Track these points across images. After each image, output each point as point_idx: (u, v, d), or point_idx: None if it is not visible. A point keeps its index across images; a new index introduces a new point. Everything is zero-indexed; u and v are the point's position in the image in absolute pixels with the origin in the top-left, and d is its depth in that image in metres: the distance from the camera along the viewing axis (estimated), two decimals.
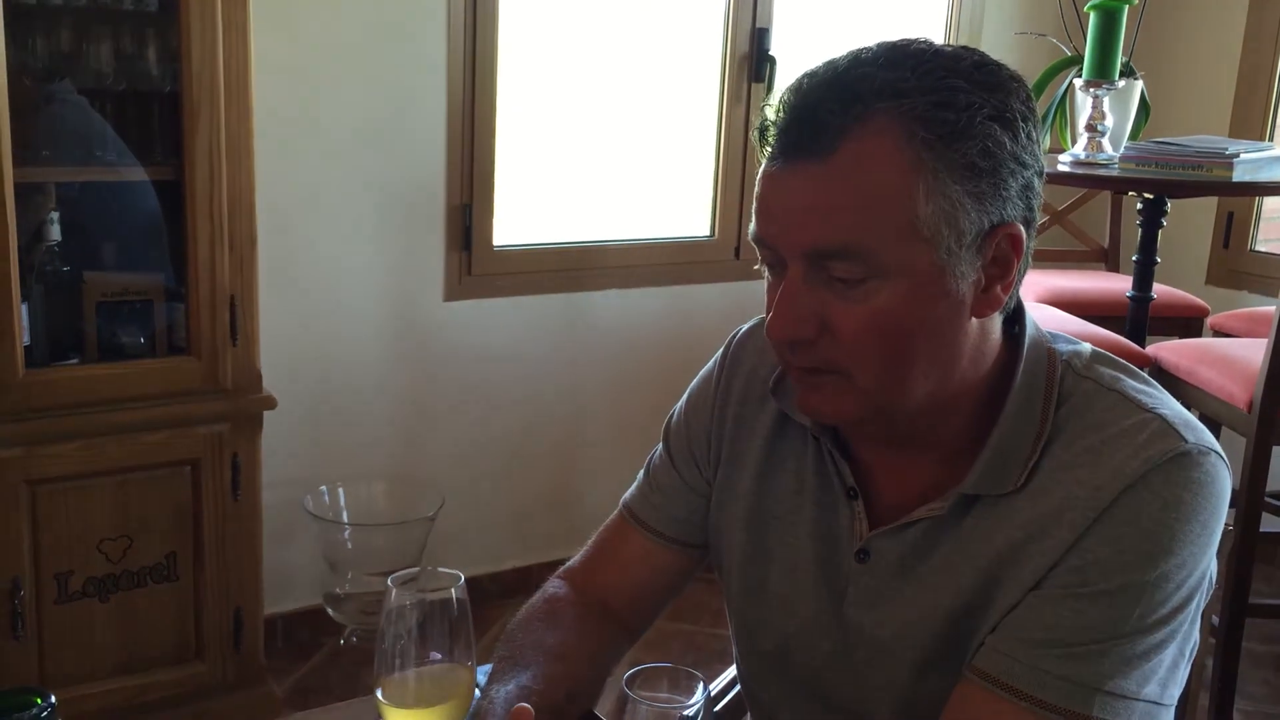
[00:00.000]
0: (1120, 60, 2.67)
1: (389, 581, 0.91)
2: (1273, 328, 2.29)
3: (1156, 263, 2.67)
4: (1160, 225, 2.65)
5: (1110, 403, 1.00)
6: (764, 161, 0.98)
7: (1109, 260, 3.51)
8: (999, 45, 3.45)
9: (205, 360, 2.32)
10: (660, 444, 1.28)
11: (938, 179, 0.92)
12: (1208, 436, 0.98)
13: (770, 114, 0.97)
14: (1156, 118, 3.22)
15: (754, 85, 3.31)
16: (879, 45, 0.96)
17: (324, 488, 2.86)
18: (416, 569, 0.96)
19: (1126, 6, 2.65)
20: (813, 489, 1.11)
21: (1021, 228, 0.97)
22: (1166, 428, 0.97)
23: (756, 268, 1.02)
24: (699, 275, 3.35)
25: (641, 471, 1.28)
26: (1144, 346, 2.67)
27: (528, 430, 3.18)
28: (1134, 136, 2.86)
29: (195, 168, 2.24)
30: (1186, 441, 0.96)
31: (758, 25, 3.28)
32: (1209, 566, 0.98)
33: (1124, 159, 2.62)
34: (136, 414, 2.28)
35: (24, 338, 2.17)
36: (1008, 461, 0.99)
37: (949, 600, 1.01)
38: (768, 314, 0.99)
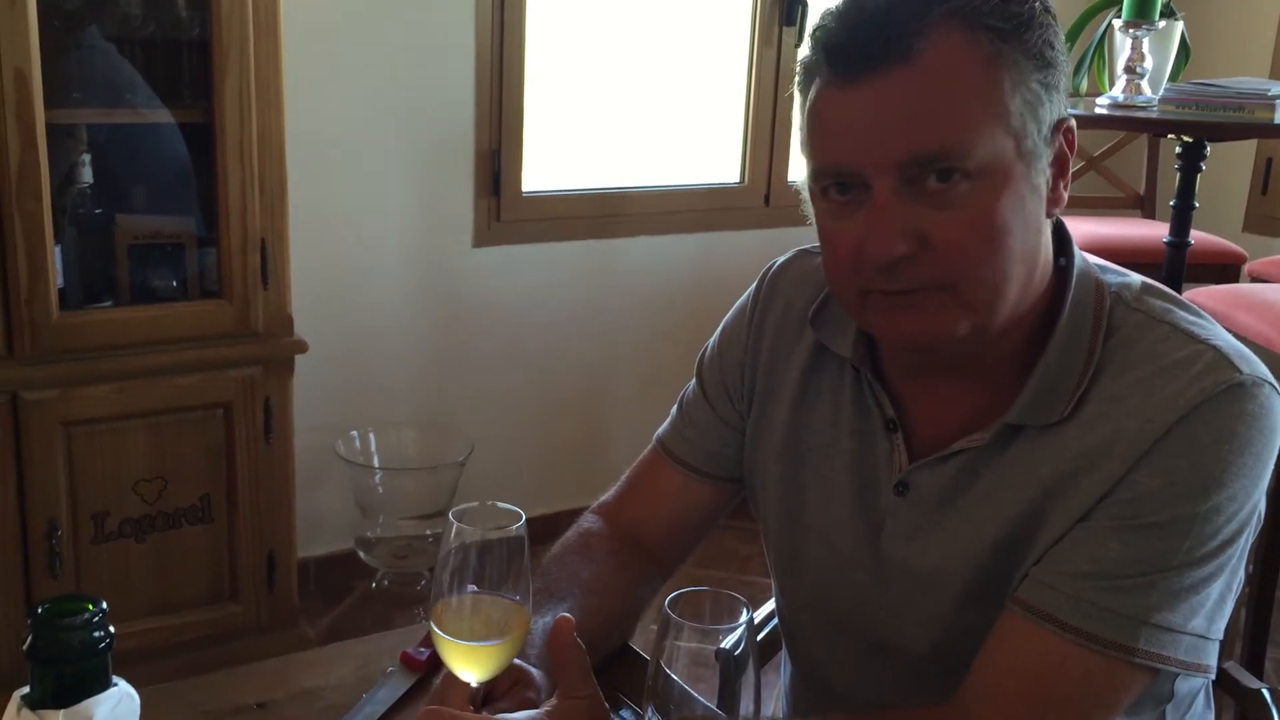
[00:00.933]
0: (1161, 0, 2.62)
1: (450, 516, 0.91)
2: None
3: (1195, 208, 2.63)
4: (1199, 169, 2.60)
5: (1162, 334, 0.98)
6: (823, 84, 0.95)
7: (1145, 207, 3.46)
8: None
9: (237, 303, 2.32)
10: (693, 379, 1.27)
11: (1019, 70, 0.92)
12: (1262, 368, 0.96)
13: (826, 35, 0.94)
14: (1197, 59, 3.17)
15: (785, 29, 3.27)
16: None
17: (355, 432, 2.88)
18: (476, 504, 0.95)
19: None
20: (850, 420, 1.10)
21: (1073, 121, 0.99)
22: (1220, 359, 0.95)
23: (806, 209, 1.00)
24: (729, 222, 3.33)
25: (675, 406, 1.28)
26: (1181, 293, 2.63)
27: (556, 377, 3.18)
28: (1174, 78, 2.81)
29: (225, 111, 2.23)
30: (1241, 373, 0.94)
31: None
32: (1259, 500, 0.96)
33: (1163, 101, 2.58)
34: (169, 357, 2.29)
35: (57, 280, 2.18)
36: (1054, 392, 0.98)
37: (991, 532, 1.00)
38: (836, 249, 0.97)
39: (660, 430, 1.28)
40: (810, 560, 1.14)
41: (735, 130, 3.35)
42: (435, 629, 0.90)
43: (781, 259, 1.22)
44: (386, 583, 2.93)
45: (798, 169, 3.75)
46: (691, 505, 1.24)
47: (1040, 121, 0.94)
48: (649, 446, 1.28)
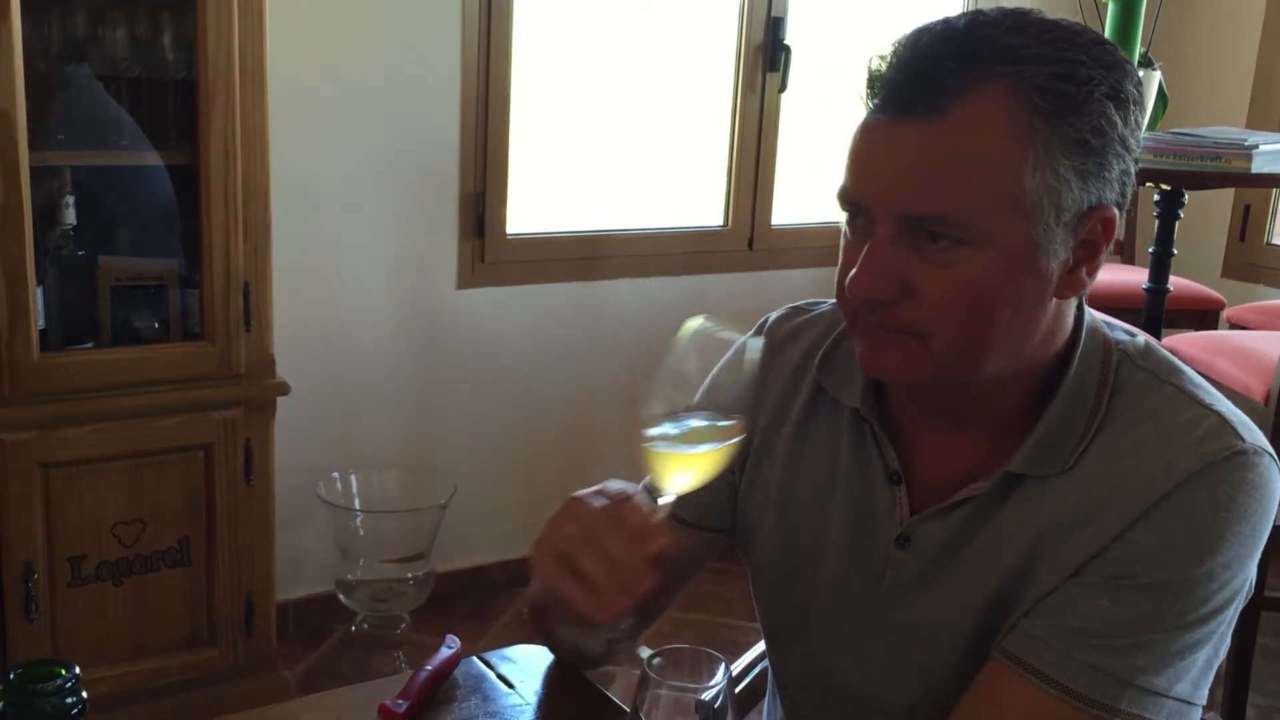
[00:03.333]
0: (1138, 50, 2.66)
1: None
2: None
3: (1173, 255, 2.65)
4: (1178, 217, 2.63)
5: (1166, 395, 0.98)
6: (868, 112, 0.95)
7: (1125, 253, 3.49)
8: None
9: (219, 346, 2.32)
10: None
11: (1048, 152, 0.90)
12: (1263, 439, 0.97)
13: (880, 65, 0.94)
14: (1174, 109, 3.20)
15: (769, 75, 3.30)
16: (997, 10, 0.94)
17: (336, 474, 2.87)
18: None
19: None
20: (848, 472, 1.10)
21: (1115, 211, 0.95)
22: (1224, 425, 0.95)
23: (844, 230, 0.99)
24: (712, 265, 3.34)
25: None
26: (1160, 339, 2.65)
27: (540, 419, 3.18)
28: (1152, 127, 2.84)
29: (210, 153, 2.23)
30: (1244, 441, 0.95)
31: (773, 14, 3.27)
32: (1252, 571, 0.97)
33: (1142, 150, 2.61)
34: (150, 399, 2.28)
35: (39, 321, 2.17)
36: (1058, 443, 0.98)
37: (989, 583, 1.00)
38: (843, 271, 0.96)
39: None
40: (804, 614, 1.14)
41: (719, 174, 3.37)
42: (650, 438, 0.89)
43: (775, 315, 1.21)
44: (366, 626, 2.90)
45: (781, 212, 3.76)
46: (678, 555, 1.23)
47: (1061, 208, 0.91)
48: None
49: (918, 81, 0.90)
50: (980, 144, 0.89)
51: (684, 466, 0.91)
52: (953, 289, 0.92)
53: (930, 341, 0.94)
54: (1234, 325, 3.00)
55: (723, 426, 0.90)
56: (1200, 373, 2.82)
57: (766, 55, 3.29)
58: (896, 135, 0.92)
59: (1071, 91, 0.89)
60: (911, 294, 0.93)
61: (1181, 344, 2.60)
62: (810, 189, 3.47)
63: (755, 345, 0.96)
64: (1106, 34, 2.63)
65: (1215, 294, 3.09)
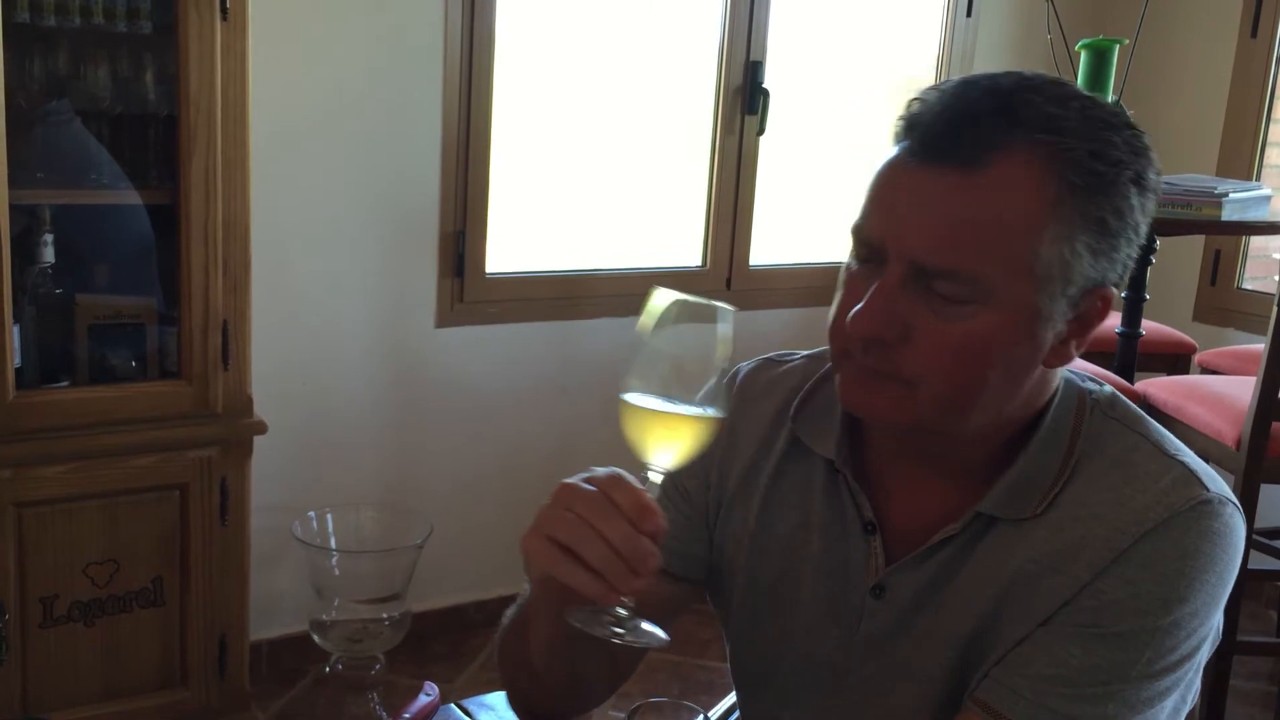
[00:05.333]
0: (1110, 99, 2.70)
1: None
2: (1261, 366, 2.30)
3: (1146, 299, 2.69)
4: (1150, 262, 2.67)
5: (1134, 444, 1.00)
6: (898, 153, 0.94)
7: None
8: None
9: (196, 384, 2.31)
10: None
11: (1069, 225, 0.91)
12: (1227, 488, 0.99)
13: (918, 108, 0.94)
14: None
15: (747, 117, 3.33)
16: (1039, 76, 0.95)
17: (312, 513, 2.84)
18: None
19: (1117, 46, 2.69)
20: (821, 523, 1.10)
21: (1114, 292, 0.97)
22: (1190, 475, 0.97)
23: (849, 264, 0.99)
24: None
25: None
26: (1133, 383, 2.68)
27: (517, 458, 3.17)
28: None
29: (191, 192, 2.23)
30: (1208, 491, 0.96)
31: (751, 58, 3.31)
32: (1218, 619, 0.98)
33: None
34: (126, 437, 2.27)
35: (15, 359, 2.16)
36: (1029, 488, 0.99)
37: (962, 629, 1.01)
38: (844, 305, 0.96)
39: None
40: (776, 664, 1.13)
41: (698, 215, 3.39)
42: (626, 398, 0.89)
43: (747, 366, 1.21)
44: (340, 666, 2.87)
45: (759, 253, 3.76)
46: (650, 605, 1.23)
47: (1070, 281, 0.93)
48: None
49: (959, 131, 0.91)
50: (1007, 204, 0.90)
51: (668, 432, 0.90)
52: (952, 342, 0.93)
53: (918, 390, 0.95)
54: (1206, 369, 3.03)
55: (706, 413, 0.90)
56: (1172, 417, 2.83)
57: (745, 98, 3.32)
58: (927, 180, 0.91)
59: (1102, 171, 0.91)
60: (909, 340, 0.93)
61: (1154, 388, 2.62)
62: (788, 230, 3.49)
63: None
64: (1079, 82, 2.68)
65: (1187, 338, 3.12)
